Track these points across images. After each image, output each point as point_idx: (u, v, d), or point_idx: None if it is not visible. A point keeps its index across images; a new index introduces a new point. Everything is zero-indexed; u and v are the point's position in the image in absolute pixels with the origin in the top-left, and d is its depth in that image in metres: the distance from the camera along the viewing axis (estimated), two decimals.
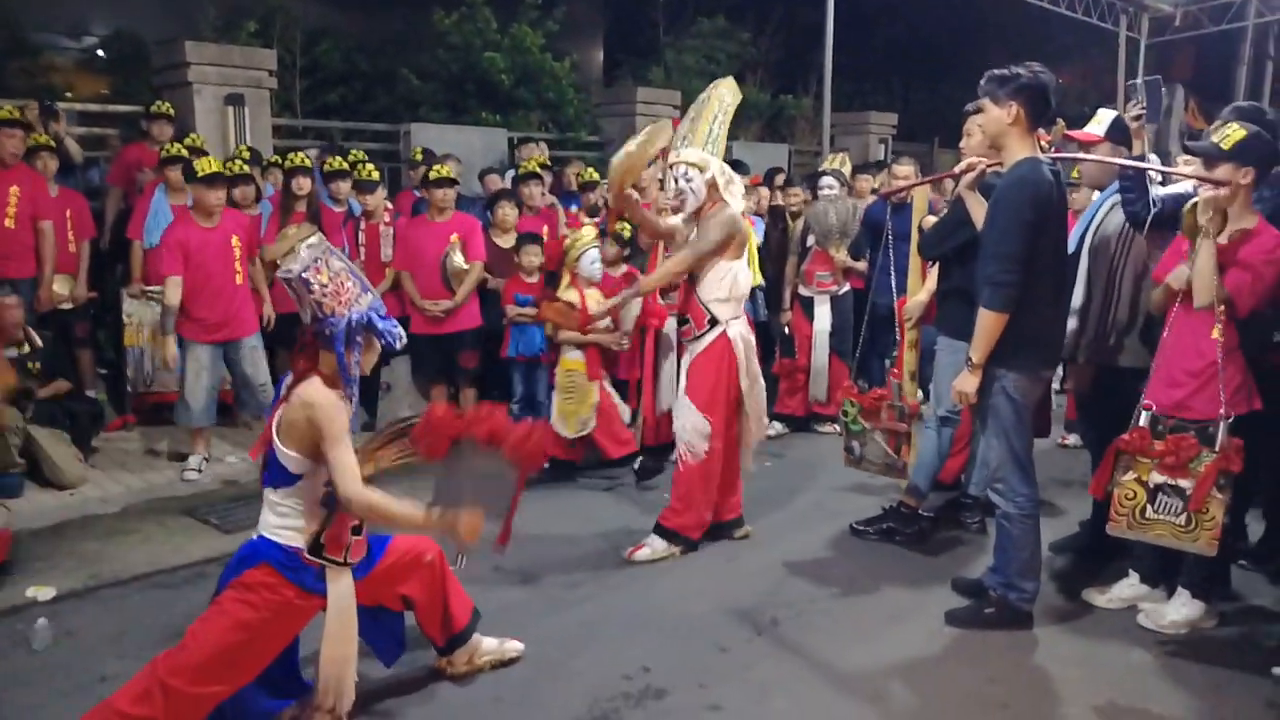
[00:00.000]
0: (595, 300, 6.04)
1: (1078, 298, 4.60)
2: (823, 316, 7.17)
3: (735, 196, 4.96)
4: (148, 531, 5.16)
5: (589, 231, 6.24)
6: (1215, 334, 3.80)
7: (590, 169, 8.06)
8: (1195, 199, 3.85)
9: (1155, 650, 4.00)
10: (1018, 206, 3.83)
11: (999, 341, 3.94)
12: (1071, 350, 4.60)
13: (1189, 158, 4.20)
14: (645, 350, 6.18)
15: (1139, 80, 4.63)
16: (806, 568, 4.86)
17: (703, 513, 4.99)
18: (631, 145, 4.85)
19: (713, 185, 4.88)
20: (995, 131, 3.96)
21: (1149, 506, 3.84)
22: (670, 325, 6.18)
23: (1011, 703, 3.60)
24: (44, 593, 4.39)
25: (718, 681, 3.73)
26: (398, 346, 3.20)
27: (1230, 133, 3.79)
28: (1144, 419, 3.93)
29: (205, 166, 5.89)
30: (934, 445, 5.05)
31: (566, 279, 6.29)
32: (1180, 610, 4.14)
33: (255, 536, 3.13)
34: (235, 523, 5.24)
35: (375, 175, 6.99)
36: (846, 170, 8.19)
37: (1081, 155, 4.67)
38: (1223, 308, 3.75)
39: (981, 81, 3.96)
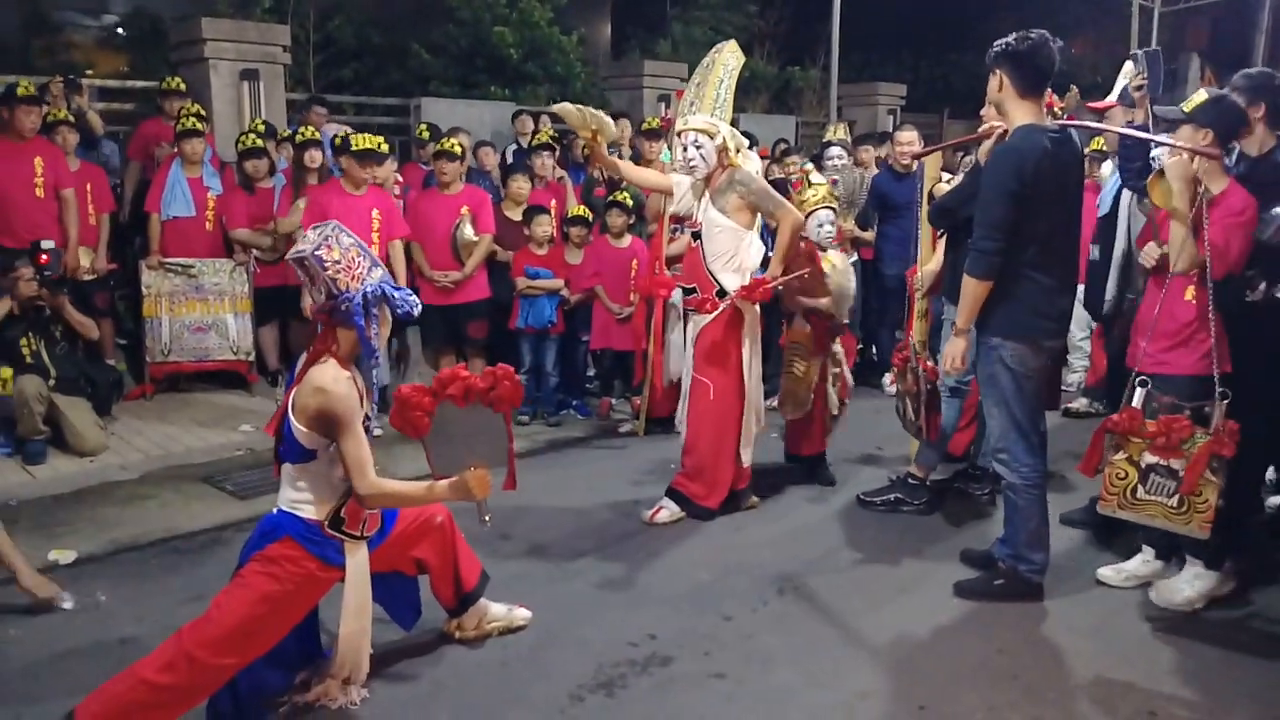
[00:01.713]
0: (830, 265, 5.57)
1: (1119, 254, 4.66)
2: None
3: (748, 160, 5.01)
4: (166, 498, 5.28)
5: (821, 189, 5.73)
6: (1188, 296, 3.92)
7: None
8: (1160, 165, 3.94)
9: (1167, 621, 4.03)
10: (1002, 175, 3.89)
11: (995, 311, 4.00)
12: (1114, 308, 4.65)
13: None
14: (654, 321, 6.24)
15: (1140, 51, 4.68)
16: (813, 539, 4.92)
17: (716, 480, 5.06)
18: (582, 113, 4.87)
19: (723, 150, 4.91)
20: (994, 100, 4.06)
21: (1140, 487, 3.84)
22: (677, 295, 6.25)
23: (1021, 674, 3.64)
24: (65, 556, 4.50)
25: (722, 650, 3.79)
26: (415, 314, 3.26)
27: (1194, 98, 3.90)
28: (1138, 397, 3.92)
29: (360, 143, 6.28)
30: (946, 416, 5.09)
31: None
32: (1194, 584, 4.10)
33: (275, 510, 3.22)
34: (251, 489, 5.35)
35: (384, 148, 7.05)
36: (849, 139, 8.26)
37: (1089, 124, 4.70)
38: (1195, 270, 3.85)
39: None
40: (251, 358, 7.08)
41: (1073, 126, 4.21)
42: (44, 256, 5.92)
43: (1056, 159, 3.91)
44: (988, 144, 4.40)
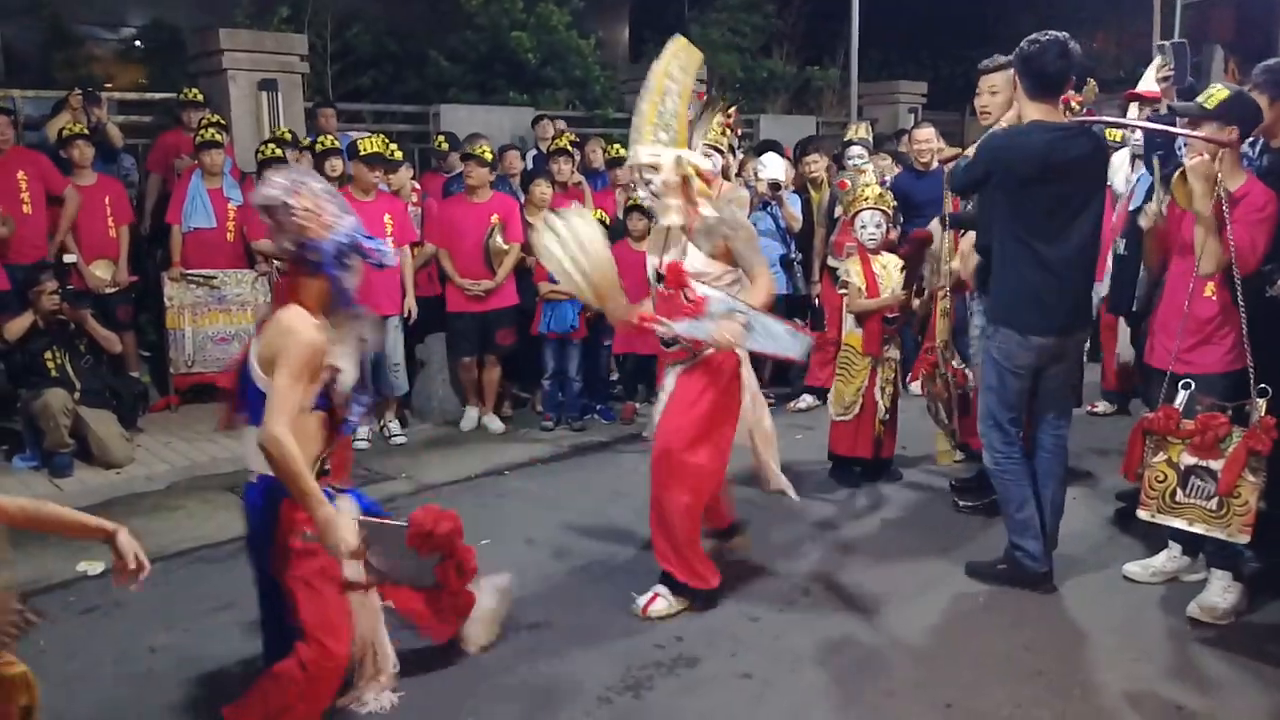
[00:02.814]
0: (882, 266, 5.41)
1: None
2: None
3: (734, 189, 4.56)
4: (191, 508, 5.31)
5: (868, 189, 5.44)
6: (1208, 292, 3.87)
7: (616, 145, 8.09)
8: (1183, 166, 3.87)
9: (1186, 619, 3.98)
10: (978, 156, 4.11)
11: (993, 298, 4.21)
12: (1145, 305, 4.57)
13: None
14: None
15: (1167, 42, 4.63)
16: (839, 538, 4.91)
17: (695, 555, 4.13)
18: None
19: (683, 184, 3.91)
20: (1016, 99, 4.15)
21: (1179, 490, 3.73)
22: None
23: (1047, 670, 3.62)
24: (93, 567, 4.53)
25: (749, 650, 3.79)
26: (388, 263, 3.16)
27: (1214, 92, 3.80)
28: (1180, 398, 3.79)
29: (367, 146, 6.28)
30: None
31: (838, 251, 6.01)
32: (1225, 597, 3.99)
33: (254, 478, 3.06)
34: None
35: (399, 155, 7.06)
36: (870, 138, 8.13)
37: (1105, 119, 4.65)
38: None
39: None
40: None
41: (1090, 122, 4.17)
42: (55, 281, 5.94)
43: (1055, 156, 3.87)
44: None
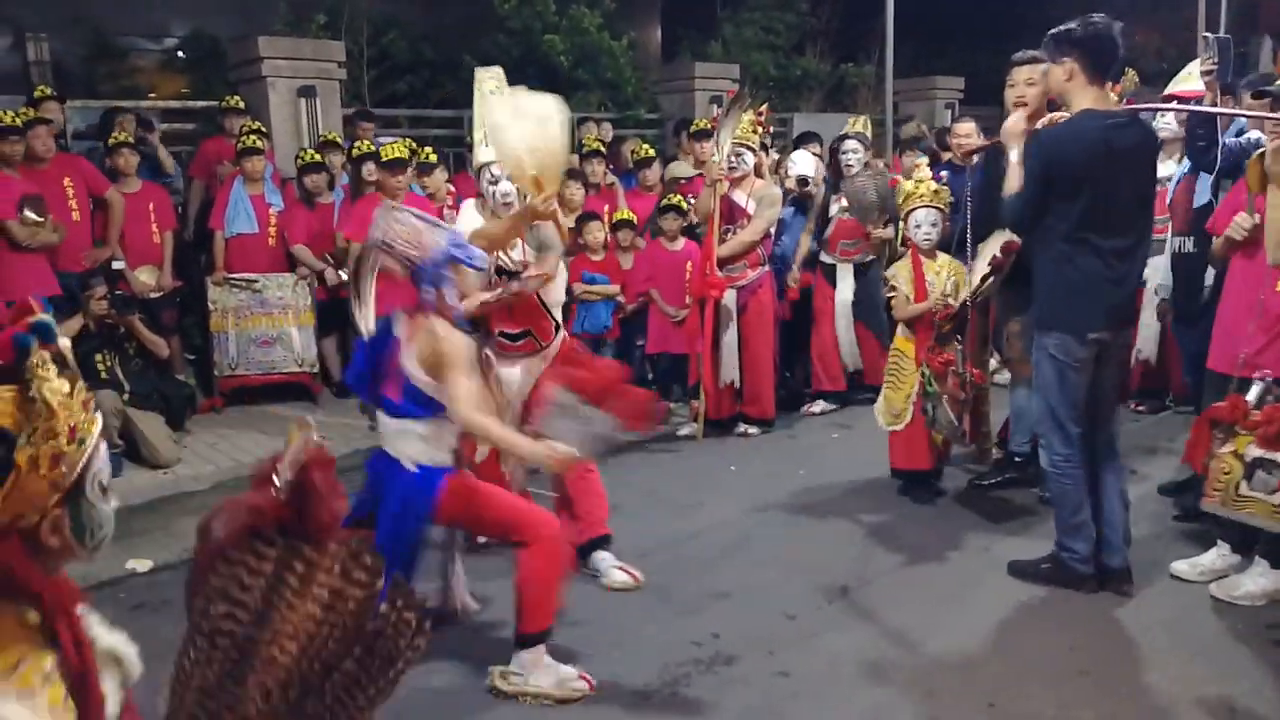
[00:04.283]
0: (935, 271, 5.14)
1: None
2: (845, 286, 6.99)
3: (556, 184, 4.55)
4: None
5: (927, 185, 5.22)
6: None
7: (646, 145, 8.12)
8: (1263, 148, 3.80)
9: (1244, 616, 3.94)
10: (1032, 159, 3.90)
11: (1041, 300, 4.07)
12: (1213, 300, 4.48)
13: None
14: (705, 323, 6.25)
15: (1211, 35, 4.59)
16: (875, 536, 4.89)
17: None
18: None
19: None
20: (1057, 90, 3.96)
21: (1244, 482, 3.60)
22: (730, 297, 6.25)
23: (1092, 670, 3.59)
24: (142, 565, 4.63)
25: (786, 649, 3.78)
26: (479, 266, 3.47)
27: None
28: (1254, 391, 3.65)
29: (388, 152, 6.40)
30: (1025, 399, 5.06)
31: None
32: (1257, 580, 4.00)
33: (414, 467, 3.34)
34: None
35: (433, 158, 7.13)
36: (868, 133, 7.80)
37: (1155, 105, 4.56)
38: None
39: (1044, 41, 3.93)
40: (316, 369, 7.20)
41: (1142, 110, 4.09)
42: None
43: (1112, 145, 3.77)
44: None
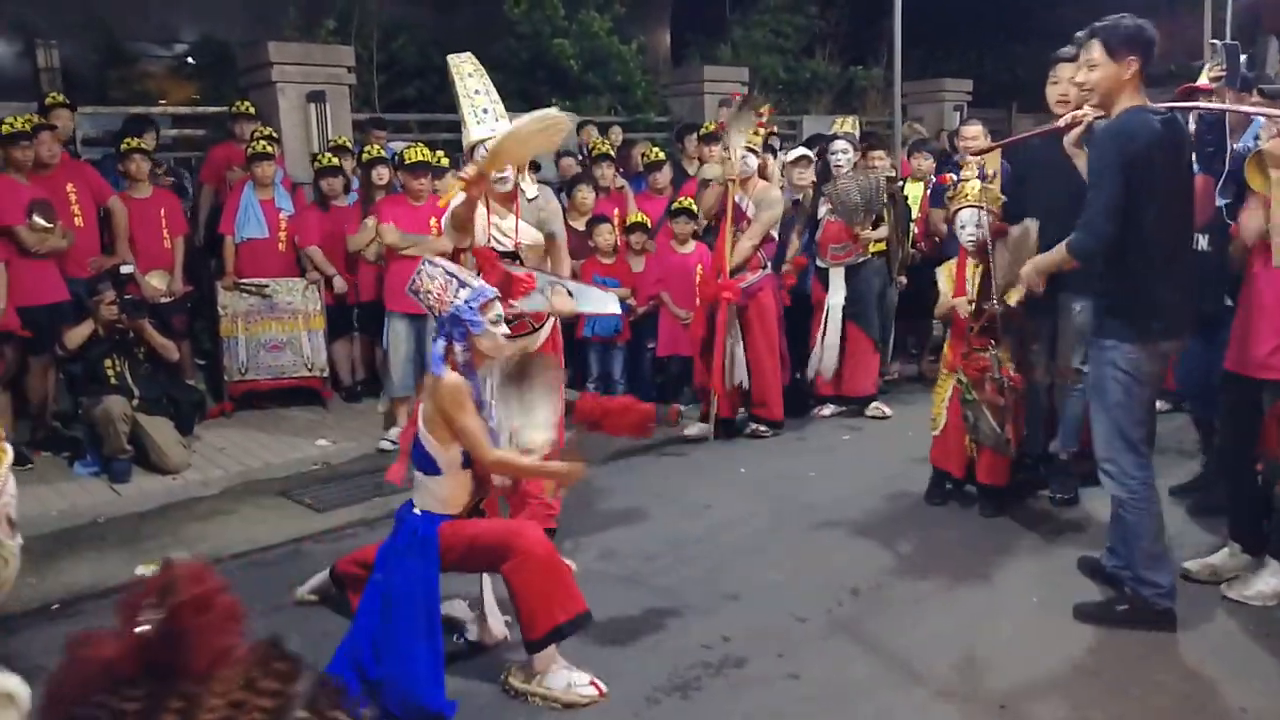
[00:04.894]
0: (975, 270, 5.02)
1: None
2: (837, 289, 6.89)
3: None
4: (245, 513, 5.40)
5: (973, 185, 5.04)
6: None
7: (656, 149, 8.12)
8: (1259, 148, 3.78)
9: (1253, 618, 3.90)
10: (1110, 155, 3.63)
11: (1108, 311, 3.79)
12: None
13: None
14: (717, 326, 6.24)
15: (1219, 42, 4.56)
16: (886, 539, 4.87)
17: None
18: (524, 128, 4.16)
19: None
20: (1109, 88, 3.68)
21: None
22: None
23: (1104, 671, 3.58)
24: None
25: (797, 651, 3.77)
26: (477, 333, 3.41)
27: None
28: None
29: (411, 155, 6.49)
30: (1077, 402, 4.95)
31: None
32: (1268, 580, 3.98)
33: (419, 512, 3.47)
34: (328, 503, 5.46)
35: (445, 161, 7.15)
36: (856, 133, 7.61)
37: (1195, 104, 4.48)
38: None
39: (1090, 34, 3.68)
40: (326, 374, 7.21)
41: (1180, 107, 3.97)
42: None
43: (1166, 143, 3.65)
44: (1076, 132, 4.15)
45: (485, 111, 4.50)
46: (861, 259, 6.88)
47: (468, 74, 4.56)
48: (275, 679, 1.85)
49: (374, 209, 6.73)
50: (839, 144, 6.94)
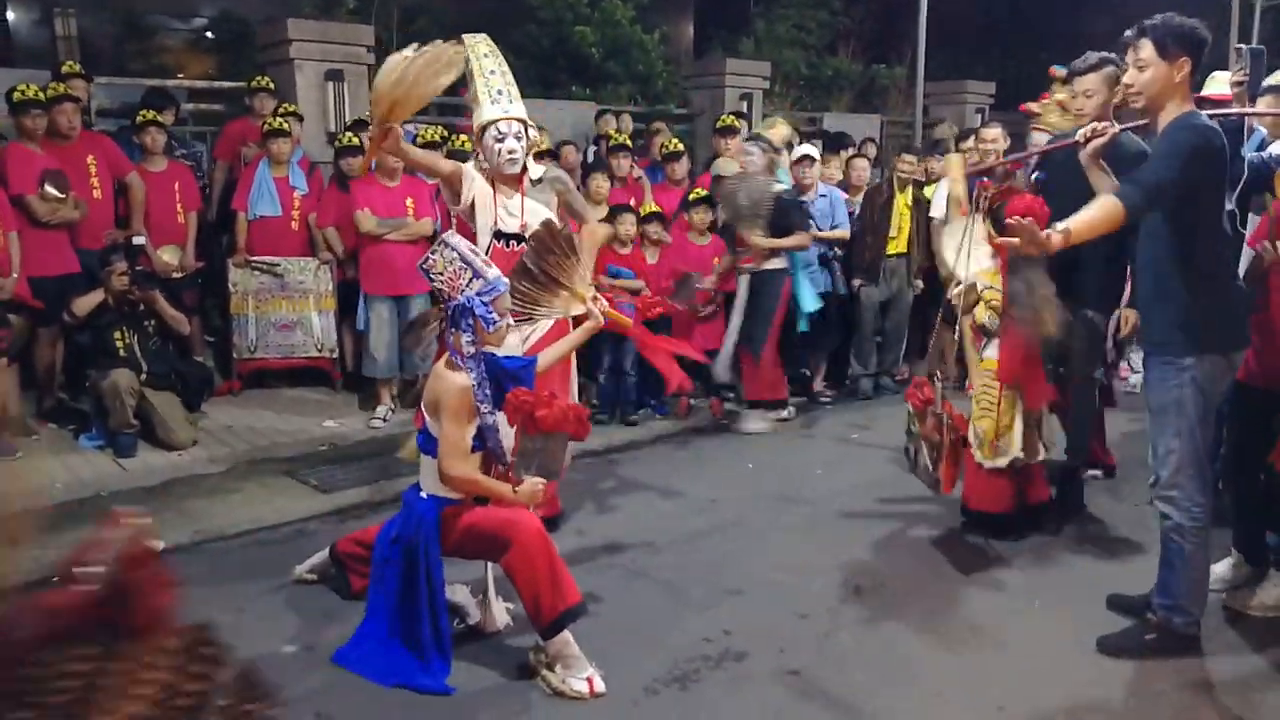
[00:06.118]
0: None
1: None
2: (740, 295, 6.64)
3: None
4: (250, 491, 5.38)
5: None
6: None
7: (675, 140, 8.07)
8: None
9: (1254, 629, 3.89)
10: (1182, 145, 3.36)
11: (1187, 323, 3.48)
12: None
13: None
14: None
15: (1244, 46, 4.49)
16: (890, 537, 4.85)
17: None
18: (410, 65, 3.94)
19: (533, 144, 4.63)
20: (1159, 90, 3.43)
21: None
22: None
23: (1103, 675, 3.56)
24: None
25: (797, 648, 3.76)
26: (493, 330, 3.40)
27: None
28: None
29: (424, 136, 6.56)
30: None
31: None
32: (1270, 591, 3.99)
33: (425, 495, 3.52)
34: (334, 484, 5.43)
35: (468, 146, 7.10)
36: (777, 137, 6.80)
37: (1236, 110, 4.36)
38: None
39: (1140, 32, 3.45)
40: (335, 355, 7.19)
41: (1223, 114, 3.81)
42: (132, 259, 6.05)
43: (1225, 153, 3.50)
44: (1096, 144, 3.81)
45: (500, 92, 4.46)
46: (760, 268, 6.58)
47: (483, 54, 4.52)
48: (203, 663, 1.82)
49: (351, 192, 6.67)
50: (751, 146, 6.66)
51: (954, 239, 4.57)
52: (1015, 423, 4.50)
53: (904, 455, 4.78)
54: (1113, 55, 4.42)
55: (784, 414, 6.84)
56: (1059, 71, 5.32)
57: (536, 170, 4.70)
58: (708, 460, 6.09)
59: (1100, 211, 3.31)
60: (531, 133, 4.56)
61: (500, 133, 4.38)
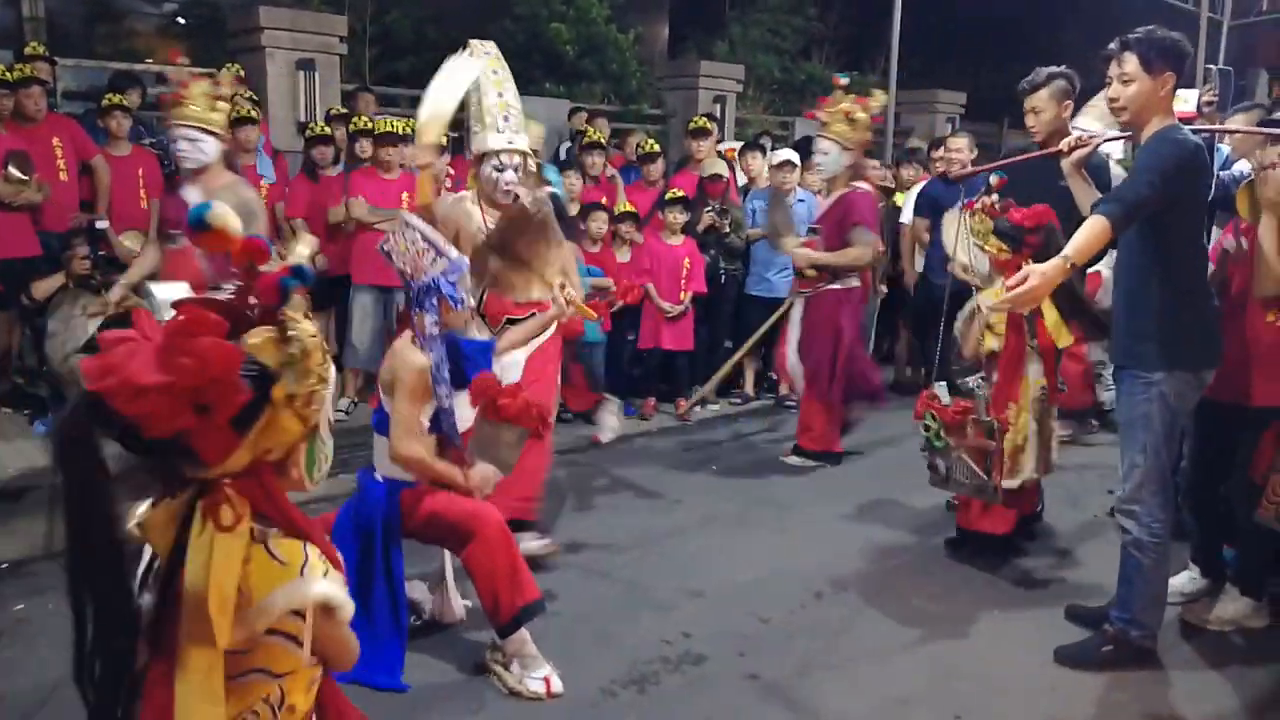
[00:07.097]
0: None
1: None
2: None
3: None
4: None
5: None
6: (1271, 318, 3.72)
7: (651, 141, 8.06)
8: (1250, 177, 3.76)
9: (1210, 642, 3.91)
10: (1165, 158, 3.34)
11: (1160, 339, 3.47)
12: None
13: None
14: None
15: (1214, 67, 4.55)
16: (854, 542, 4.85)
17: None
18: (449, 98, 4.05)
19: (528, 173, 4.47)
20: (1143, 105, 3.42)
21: None
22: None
23: (1061, 686, 3.57)
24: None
25: (757, 651, 3.75)
26: (460, 309, 3.34)
27: None
28: None
29: (381, 126, 6.54)
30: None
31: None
32: (1227, 606, 4.00)
33: (380, 478, 3.47)
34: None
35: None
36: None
37: (1215, 127, 4.39)
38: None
39: (1123, 46, 3.44)
40: None
41: (1201, 131, 3.87)
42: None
43: (1206, 168, 3.55)
44: (1080, 154, 3.77)
45: (506, 120, 4.28)
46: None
47: (492, 70, 4.28)
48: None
49: (348, 182, 6.62)
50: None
51: (952, 227, 4.53)
52: (1030, 442, 4.38)
53: (930, 471, 4.46)
54: (1063, 69, 4.47)
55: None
56: (842, 80, 5.42)
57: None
58: (672, 462, 6.08)
59: (1090, 232, 3.27)
60: (530, 163, 4.49)
61: (501, 164, 4.28)
